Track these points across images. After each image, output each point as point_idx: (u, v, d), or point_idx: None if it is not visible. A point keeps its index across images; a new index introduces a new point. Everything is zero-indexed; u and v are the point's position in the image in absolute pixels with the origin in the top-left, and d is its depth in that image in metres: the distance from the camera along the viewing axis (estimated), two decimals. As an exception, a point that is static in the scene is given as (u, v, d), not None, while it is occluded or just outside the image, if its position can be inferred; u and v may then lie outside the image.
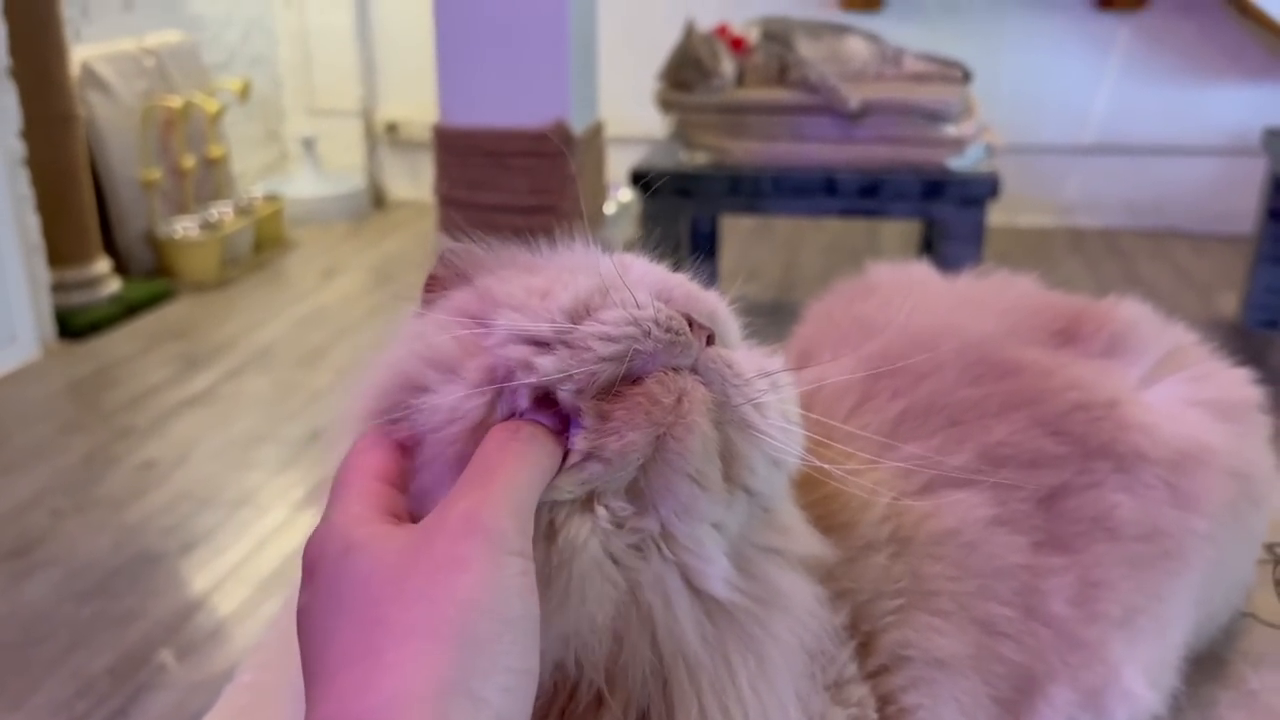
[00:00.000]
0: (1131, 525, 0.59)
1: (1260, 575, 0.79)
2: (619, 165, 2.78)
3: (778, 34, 2.60)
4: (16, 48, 2.76)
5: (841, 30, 2.72)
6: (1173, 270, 3.54)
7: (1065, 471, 0.60)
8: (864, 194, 2.48)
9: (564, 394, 0.41)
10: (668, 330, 0.42)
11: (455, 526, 0.37)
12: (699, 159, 2.55)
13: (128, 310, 3.09)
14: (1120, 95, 3.83)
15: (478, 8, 1.91)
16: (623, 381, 0.41)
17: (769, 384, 0.46)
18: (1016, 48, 3.82)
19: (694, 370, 0.43)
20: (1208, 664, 0.69)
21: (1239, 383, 0.69)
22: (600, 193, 2.17)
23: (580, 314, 0.43)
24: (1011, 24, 3.82)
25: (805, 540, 0.51)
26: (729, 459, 0.44)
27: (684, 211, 2.60)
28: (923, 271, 0.78)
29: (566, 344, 0.41)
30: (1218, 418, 0.65)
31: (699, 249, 2.90)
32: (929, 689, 0.55)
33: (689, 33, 2.52)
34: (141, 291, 3.18)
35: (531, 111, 1.90)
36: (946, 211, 2.46)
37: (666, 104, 2.55)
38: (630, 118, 3.33)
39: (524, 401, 0.41)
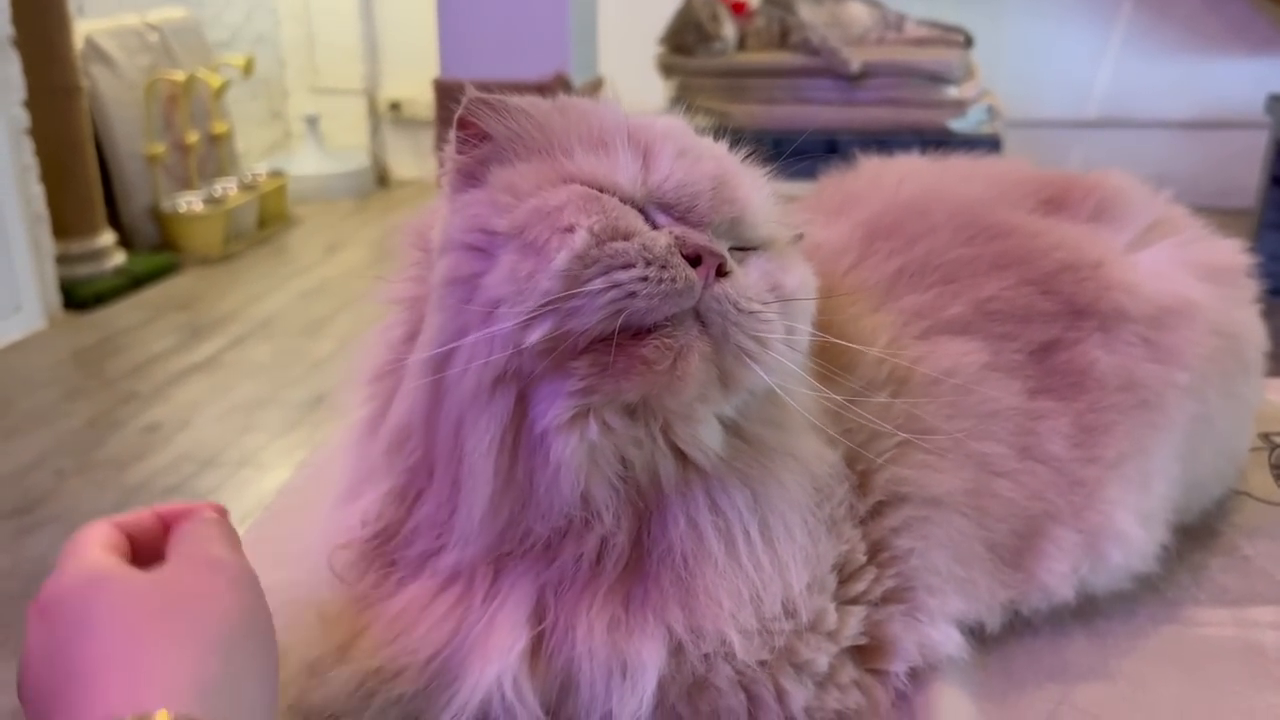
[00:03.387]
0: (1111, 377, 0.60)
1: (1256, 460, 0.79)
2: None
3: (779, -1, 2.61)
4: (19, 18, 2.76)
5: (843, -4, 2.72)
6: (1176, 242, 3.52)
7: (1055, 327, 0.60)
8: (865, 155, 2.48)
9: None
10: (661, 280, 0.43)
11: (203, 567, 0.43)
12: (700, 123, 2.55)
13: (132, 282, 3.10)
14: (1123, 69, 3.82)
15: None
16: (623, 332, 0.43)
17: (777, 308, 0.47)
18: (1020, 22, 3.81)
19: (696, 312, 0.44)
20: (1201, 534, 0.70)
21: (1229, 249, 0.70)
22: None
23: (574, 276, 0.44)
24: (1014, -2, 3.81)
25: (806, 416, 0.52)
26: (727, 381, 0.46)
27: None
28: (912, 158, 0.79)
29: (555, 314, 0.43)
30: (1204, 278, 0.65)
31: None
32: (921, 530, 0.55)
33: (690, -3, 2.52)
34: (146, 264, 3.19)
35: (532, 64, 1.91)
36: (948, 174, 2.47)
37: (667, 68, 2.56)
38: (632, 93, 3.33)
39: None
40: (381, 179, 4.32)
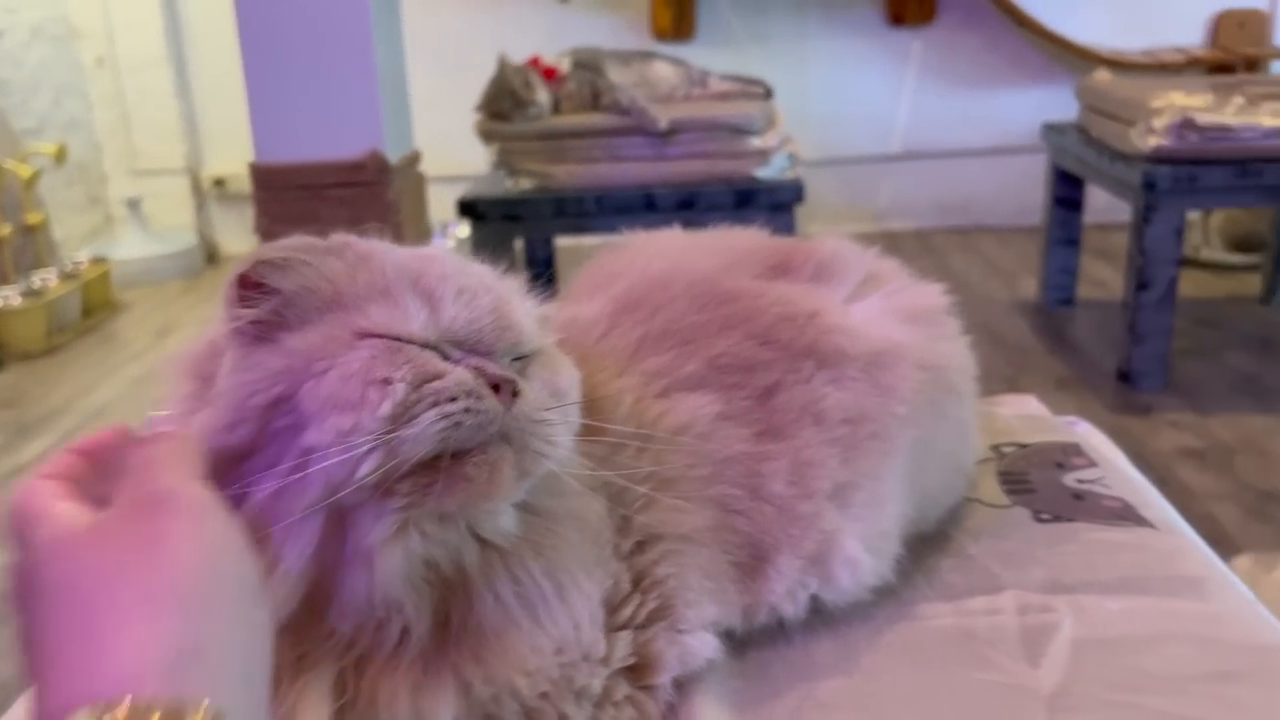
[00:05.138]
0: (838, 411, 0.70)
1: (987, 470, 0.91)
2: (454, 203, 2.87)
3: (588, 62, 2.73)
4: None
5: (649, 56, 2.87)
6: (981, 262, 3.80)
7: (776, 372, 0.70)
8: (681, 207, 2.60)
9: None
10: (479, 411, 0.50)
11: (149, 506, 0.38)
12: (523, 185, 2.64)
13: (-51, 385, 2.98)
14: (919, 104, 4.11)
15: (284, 45, 1.96)
16: (441, 456, 0.50)
17: (559, 411, 0.56)
18: (821, 67, 4.06)
19: (501, 431, 0.52)
20: (936, 540, 0.81)
21: (929, 294, 0.82)
22: (422, 219, 2.24)
23: (398, 417, 0.49)
24: (814, 45, 4.06)
25: (579, 479, 0.60)
26: (525, 476, 0.54)
27: (513, 237, 2.69)
28: (670, 233, 0.88)
29: (385, 448, 0.49)
30: (908, 321, 0.77)
31: (538, 273, 2.99)
32: (677, 560, 0.64)
33: (502, 65, 2.61)
34: (-37, 365, 3.07)
35: (345, 142, 1.96)
36: (759, 218, 2.59)
37: (487, 134, 2.63)
38: (460, 157, 3.41)
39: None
40: (211, 257, 4.26)
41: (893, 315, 0.76)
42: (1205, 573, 0.75)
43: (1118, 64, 3.77)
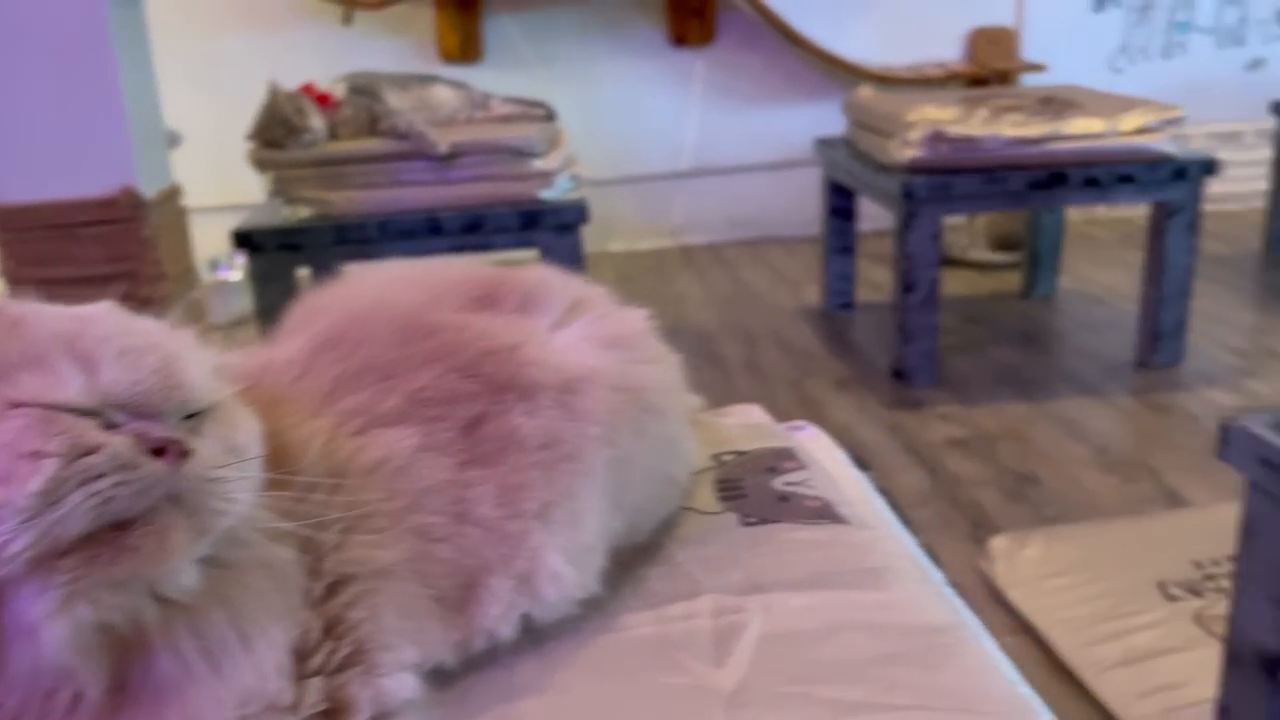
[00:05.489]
0: (534, 439, 0.72)
1: (706, 478, 0.96)
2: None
3: (365, 87, 2.70)
4: None
5: (428, 80, 2.86)
6: (769, 272, 3.96)
7: (479, 404, 0.72)
8: (468, 230, 2.60)
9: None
10: (135, 481, 0.49)
11: None
12: (302, 213, 2.59)
13: None
14: (705, 122, 4.25)
15: (17, 76, 1.86)
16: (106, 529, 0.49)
17: (237, 466, 0.55)
18: (610, 88, 4.14)
19: (170, 494, 0.51)
20: (649, 550, 0.84)
21: (630, 319, 0.86)
22: (184, 255, 2.17)
23: (50, 494, 0.47)
24: (602, 67, 4.14)
25: (264, 532, 0.60)
26: (203, 535, 0.53)
27: (294, 267, 2.63)
28: (381, 267, 0.89)
29: (35, 527, 0.47)
30: (606, 347, 0.80)
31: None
32: (371, 600, 0.64)
33: (272, 92, 2.56)
34: None
35: (94, 180, 1.87)
36: (545, 239, 2.64)
37: (260, 163, 2.57)
38: (240, 185, 3.30)
39: None
40: (-25, 299, 3.98)
41: (591, 342, 0.80)
42: (888, 563, 0.81)
43: (886, 79, 4.00)
